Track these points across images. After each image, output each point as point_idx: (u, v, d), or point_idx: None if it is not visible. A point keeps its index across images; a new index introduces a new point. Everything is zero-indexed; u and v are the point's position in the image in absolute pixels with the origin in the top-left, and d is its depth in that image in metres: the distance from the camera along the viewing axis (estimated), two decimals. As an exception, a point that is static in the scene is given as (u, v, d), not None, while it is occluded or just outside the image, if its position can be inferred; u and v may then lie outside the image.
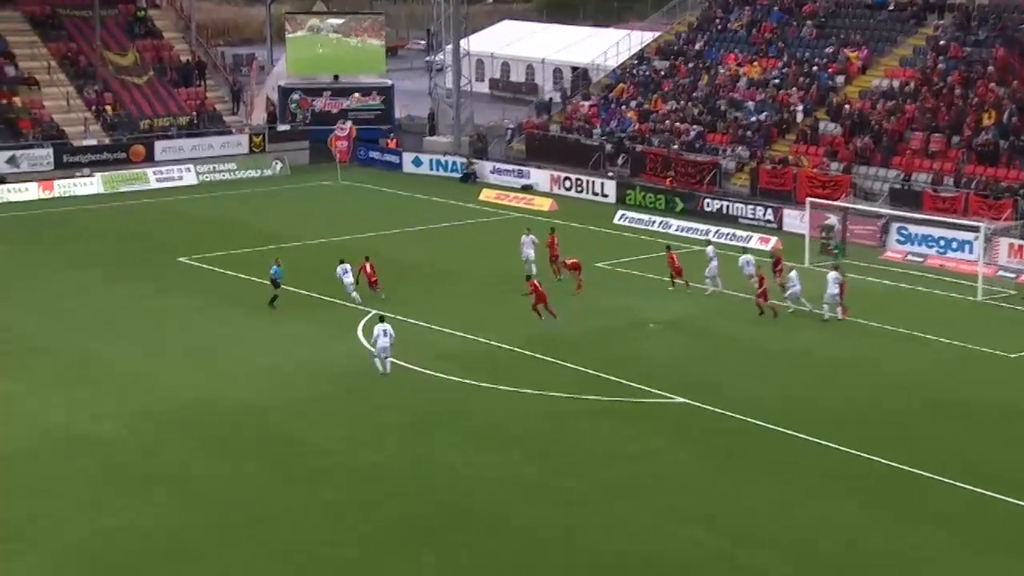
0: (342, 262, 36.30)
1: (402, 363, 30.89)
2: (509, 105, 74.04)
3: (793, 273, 35.77)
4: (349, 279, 35.96)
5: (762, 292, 35.24)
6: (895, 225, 43.54)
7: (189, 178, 56.48)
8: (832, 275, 34.83)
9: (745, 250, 39.38)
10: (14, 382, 29.48)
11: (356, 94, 64.64)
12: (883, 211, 43.79)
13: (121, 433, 26.42)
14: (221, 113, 61.50)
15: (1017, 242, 40.62)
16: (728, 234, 45.64)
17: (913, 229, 43.14)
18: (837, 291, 34.56)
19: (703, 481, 24.20)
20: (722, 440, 26.38)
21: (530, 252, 39.01)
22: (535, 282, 33.92)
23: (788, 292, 35.46)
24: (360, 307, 35.55)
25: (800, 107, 53.35)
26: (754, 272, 36.79)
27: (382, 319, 30.16)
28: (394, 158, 60.96)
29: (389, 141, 62.82)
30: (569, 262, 37.67)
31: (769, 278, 36.22)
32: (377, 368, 29.63)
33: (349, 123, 61.94)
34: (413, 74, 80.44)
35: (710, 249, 38.31)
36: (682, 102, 57.11)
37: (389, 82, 66.26)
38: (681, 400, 28.54)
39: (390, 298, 35.84)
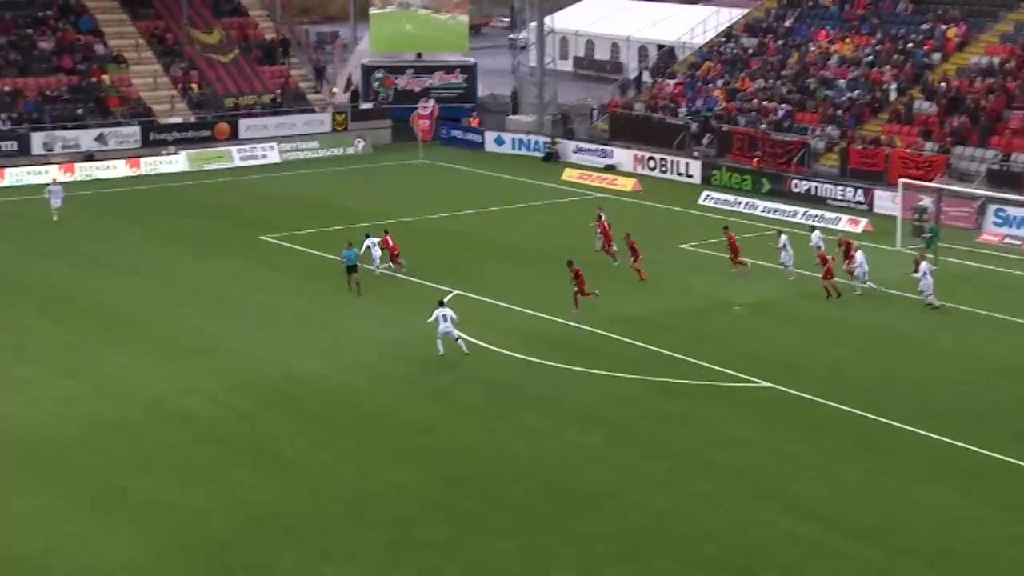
0: (368, 236, 36.65)
1: (484, 343, 30.78)
2: (593, 84, 73.47)
3: (859, 253, 34.83)
4: (377, 252, 36.29)
5: (827, 271, 34.37)
6: (992, 207, 42.33)
7: (272, 156, 56.94)
8: (924, 265, 33.80)
9: (813, 228, 38.61)
10: (116, 354, 29.94)
11: (439, 72, 64.60)
12: (980, 192, 42.60)
13: (215, 406, 26.72)
14: (304, 91, 61.90)
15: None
16: (816, 216, 44.75)
17: (1011, 211, 41.90)
18: (931, 280, 33.52)
19: (792, 466, 23.72)
20: (809, 426, 25.84)
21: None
22: (577, 268, 32.99)
23: (856, 271, 34.79)
24: (439, 285, 35.48)
25: (894, 85, 52.08)
26: (822, 247, 36.06)
27: (442, 303, 30.00)
28: (476, 137, 60.81)
29: (471, 120, 62.69)
30: (629, 242, 36.74)
31: (838, 261, 35.39)
32: (439, 350, 29.47)
33: (432, 102, 61.93)
34: (496, 52, 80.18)
35: (783, 238, 37.33)
36: (770, 81, 56.09)
37: (472, 60, 66.10)
38: (767, 384, 28.01)
39: (409, 265, 36.19)
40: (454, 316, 29.64)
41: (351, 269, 35.15)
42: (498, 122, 63.41)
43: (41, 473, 23.37)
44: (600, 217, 39.55)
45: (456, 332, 29.59)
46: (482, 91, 67.77)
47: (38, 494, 22.46)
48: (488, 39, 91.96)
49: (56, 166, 50.76)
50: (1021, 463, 23.69)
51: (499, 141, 60.09)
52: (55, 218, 43.90)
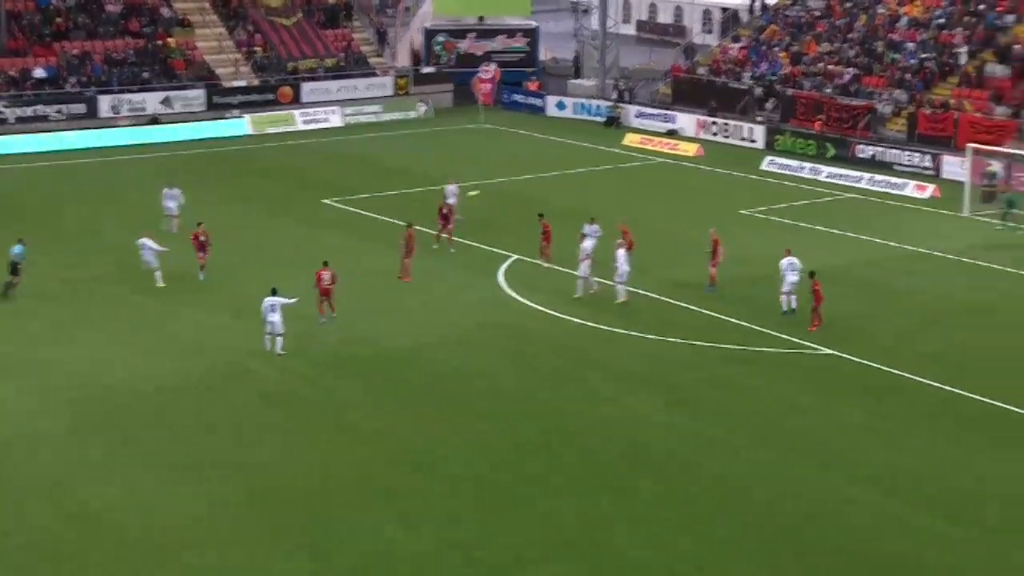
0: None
1: (546, 309, 30.90)
2: (656, 47, 72.91)
3: (620, 252, 31.07)
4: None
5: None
6: (1064, 173, 41.54)
7: (335, 120, 57.28)
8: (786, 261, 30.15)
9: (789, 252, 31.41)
10: (189, 314, 30.26)
11: (501, 36, 64.47)
12: (1051, 158, 41.80)
13: (275, 369, 27.02)
14: (367, 55, 62.10)
15: None
16: (883, 181, 44.22)
17: (1084, 178, 41.11)
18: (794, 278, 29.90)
19: (856, 435, 23.64)
20: (873, 393, 25.68)
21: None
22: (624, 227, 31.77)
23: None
24: (498, 250, 35.62)
25: (964, 48, 51.11)
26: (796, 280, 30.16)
27: (274, 291, 27.63)
28: (538, 101, 60.71)
29: (533, 84, 62.54)
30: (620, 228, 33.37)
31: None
32: (267, 346, 27.40)
33: (493, 65, 61.86)
34: (558, 16, 79.82)
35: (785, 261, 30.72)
36: (836, 44, 55.30)
37: (534, 24, 65.89)
38: (828, 351, 27.86)
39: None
40: (288, 301, 27.30)
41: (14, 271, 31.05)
42: (560, 86, 63.23)
43: (114, 430, 23.90)
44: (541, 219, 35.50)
45: (281, 328, 27.10)
46: (544, 55, 67.54)
47: (112, 449, 22.99)
48: (551, 2, 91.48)
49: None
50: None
51: (560, 106, 59.91)
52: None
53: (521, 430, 24.02)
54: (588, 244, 31.89)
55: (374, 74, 60.76)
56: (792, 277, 30.02)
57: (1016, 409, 24.59)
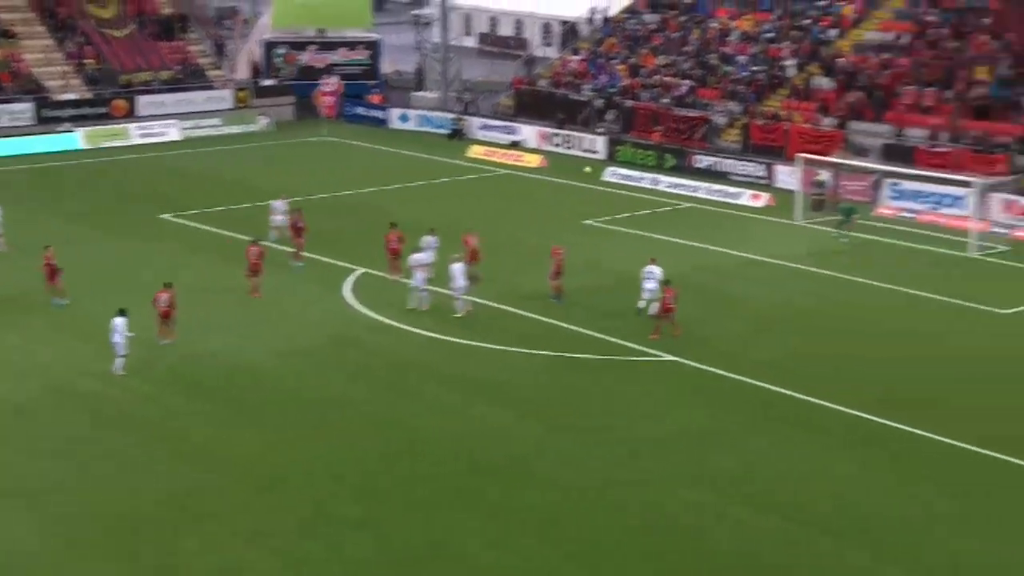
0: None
1: (390, 320, 30.84)
2: (498, 60, 73.56)
3: (455, 267, 31.02)
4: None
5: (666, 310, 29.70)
6: (887, 181, 43.46)
7: (173, 133, 56.03)
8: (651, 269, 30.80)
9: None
10: (11, 336, 29.33)
11: (342, 48, 64.12)
12: (875, 167, 43.69)
13: (116, 388, 26.29)
14: (204, 68, 60.94)
15: (1010, 197, 40.58)
16: (720, 190, 45.55)
17: (906, 185, 43.09)
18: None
19: (697, 439, 24.25)
20: (716, 399, 26.41)
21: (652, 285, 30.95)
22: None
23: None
24: (344, 263, 35.43)
25: (792, 61, 53.08)
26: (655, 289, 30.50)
27: (121, 312, 26.89)
28: (380, 114, 60.59)
29: (375, 96, 62.40)
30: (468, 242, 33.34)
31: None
32: (117, 368, 26.73)
33: (335, 78, 61.46)
34: (400, 28, 79.75)
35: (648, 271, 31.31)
36: (672, 57, 56.77)
37: (376, 36, 65.72)
38: (670, 358, 28.54)
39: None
40: (125, 334, 26.54)
41: None
42: (403, 99, 63.23)
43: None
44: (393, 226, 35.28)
45: (123, 349, 26.63)
46: (386, 68, 67.45)
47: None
48: (392, 15, 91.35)
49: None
50: (916, 431, 24.50)
51: (404, 118, 59.94)
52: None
53: (368, 445, 23.90)
54: (421, 256, 31.93)
55: (212, 87, 59.66)
56: (649, 284, 30.81)
57: (846, 410, 25.60)
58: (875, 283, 34.40)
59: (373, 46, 64.96)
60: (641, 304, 30.99)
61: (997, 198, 40.57)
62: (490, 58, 75.92)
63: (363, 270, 35.15)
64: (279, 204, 37.93)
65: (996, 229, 39.26)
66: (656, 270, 30.99)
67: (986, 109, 45.72)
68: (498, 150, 53.70)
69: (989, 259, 37.02)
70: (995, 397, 26.38)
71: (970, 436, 24.03)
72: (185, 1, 64.94)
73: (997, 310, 31.94)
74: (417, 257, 31.85)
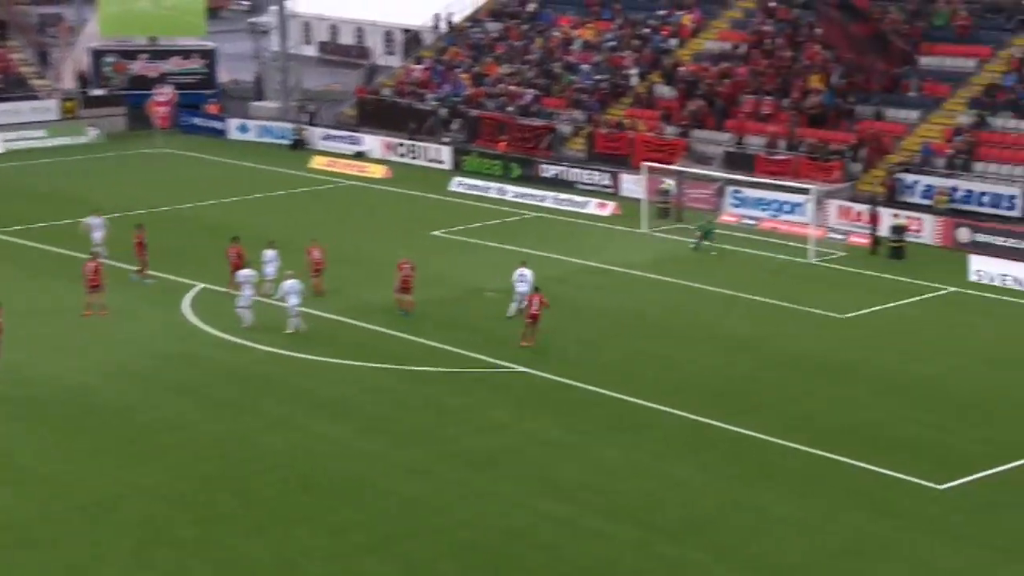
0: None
1: (231, 337, 30.30)
2: (339, 69, 73.09)
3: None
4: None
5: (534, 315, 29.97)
6: (730, 189, 44.69)
7: (-6, 146, 53.98)
8: (521, 271, 31.81)
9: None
10: None
11: (176, 57, 62.75)
12: (717, 175, 44.86)
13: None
14: (27, 77, 58.82)
15: (845, 204, 42.21)
16: (566, 200, 46.14)
17: (747, 192, 44.38)
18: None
19: (549, 449, 24.48)
20: (565, 408, 26.72)
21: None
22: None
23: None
24: (182, 279, 34.68)
25: (635, 70, 54.17)
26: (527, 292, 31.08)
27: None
28: (218, 124, 59.53)
29: (212, 107, 61.28)
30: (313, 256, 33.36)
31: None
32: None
33: (169, 88, 60.08)
34: (236, 37, 78.52)
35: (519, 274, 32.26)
36: (516, 65, 57.33)
37: (211, 44, 64.54)
38: (521, 369, 28.77)
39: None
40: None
41: None
42: (241, 109, 62.23)
43: None
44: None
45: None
46: (223, 77, 66.28)
47: None
48: (227, 22, 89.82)
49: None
50: (755, 434, 25.26)
51: (243, 129, 59.03)
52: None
53: (208, 466, 23.43)
54: (248, 273, 31.42)
55: (37, 97, 57.62)
56: (521, 288, 31.28)
57: (690, 416, 26.16)
58: (719, 290, 35.33)
59: (208, 55, 63.74)
60: (511, 311, 31.15)
61: (834, 204, 42.15)
62: (331, 67, 75.34)
63: (203, 285, 34.45)
64: (95, 221, 36.75)
65: (833, 235, 40.80)
66: (528, 273, 31.37)
67: (821, 117, 47.50)
68: (342, 161, 53.31)
69: (827, 265, 38.43)
70: (832, 399, 27.37)
71: (805, 437, 24.85)
72: (3, 8, 62.62)
73: (835, 315, 33.16)
74: (244, 274, 31.40)
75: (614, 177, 47.85)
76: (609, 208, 45.18)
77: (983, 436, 25.07)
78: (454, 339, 30.58)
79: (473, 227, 42.67)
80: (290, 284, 30.65)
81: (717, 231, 39.99)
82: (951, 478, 22.91)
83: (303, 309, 31.03)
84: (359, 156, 54.37)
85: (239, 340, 30.20)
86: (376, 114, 57.82)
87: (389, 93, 59.29)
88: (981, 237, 39.02)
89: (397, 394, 27.31)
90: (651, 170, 43.88)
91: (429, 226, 42.47)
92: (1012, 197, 40.69)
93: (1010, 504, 22.00)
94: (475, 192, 48.12)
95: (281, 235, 36.36)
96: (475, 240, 41.01)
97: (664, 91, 52.46)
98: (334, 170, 52.09)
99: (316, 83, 66.82)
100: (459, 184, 49.07)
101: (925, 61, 48.01)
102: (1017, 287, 35.20)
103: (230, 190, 47.63)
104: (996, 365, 29.27)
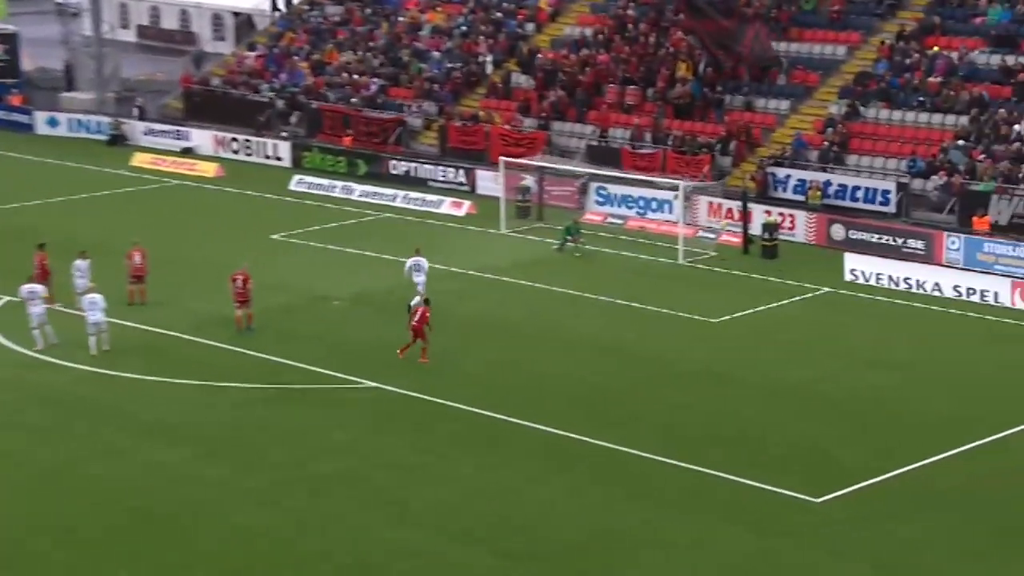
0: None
1: (48, 357, 29.62)
2: (162, 56, 71.87)
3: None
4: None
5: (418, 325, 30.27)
6: (594, 185, 45.45)
7: None
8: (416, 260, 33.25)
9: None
10: None
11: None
12: (579, 170, 45.52)
13: None
14: None
15: (715, 200, 43.26)
16: (418, 199, 46.29)
17: (612, 189, 45.20)
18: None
19: (402, 471, 24.60)
20: (418, 425, 26.86)
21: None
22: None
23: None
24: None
25: (489, 58, 54.62)
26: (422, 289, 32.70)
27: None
28: (24, 117, 58.11)
29: (16, 98, 59.76)
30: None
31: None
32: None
33: (-34, 77, 58.28)
34: (42, 20, 76.42)
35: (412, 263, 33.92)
36: (360, 53, 57.25)
37: (13, 28, 62.83)
38: (372, 384, 28.83)
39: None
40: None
41: None
42: (50, 100, 60.76)
43: None
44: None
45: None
46: (27, 64, 64.54)
47: None
48: (31, 3, 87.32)
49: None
50: (625, 449, 25.78)
51: (52, 122, 57.68)
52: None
53: (19, 500, 22.93)
54: (36, 287, 30.71)
55: None
56: (419, 278, 31.74)
57: (551, 430, 26.45)
58: (584, 294, 35.92)
59: (10, 39, 62.12)
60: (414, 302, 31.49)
61: (704, 201, 43.16)
62: (153, 54, 74.02)
63: (7, 299, 33.57)
64: None
65: (703, 234, 41.77)
66: (423, 262, 31.92)
67: (689, 108, 48.48)
68: (168, 158, 52.53)
69: (697, 265, 39.42)
70: (705, 409, 28.10)
71: (678, 451, 25.43)
72: None
73: (707, 318, 34.06)
74: (28, 289, 30.64)
75: (469, 174, 48.22)
76: (464, 207, 45.52)
77: (860, 444, 26.08)
78: (298, 353, 30.46)
79: (316, 229, 42.53)
80: (91, 299, 30.01)
81: (583, 231, 40.53)
82: (829, 490, 23.76)
83: (114, 321, 30.45)
84: (187, 153, 53.61)
85: (51, 359, 29.54)
86: (205, 107, 57.06)
87: (219, 83, 58.57)
88: (856, 234, 40.51)
89: (235, 415, 27.09)
90: (509, 166, 44.37)
91: (268, 229, 42.16)
92: (886, 192, 42.29)
93: (888, 516, 22.95)
94: (318, 191, 47.93)
95: (98, 241, 35.67)
96: (319, 244, 40.88)
97: (521, 80, 53.06)
98: (159, 168, 51.32)
99: (136, 72, 65.58)
100: (300, 183, 48.81)
101: (795, 48, 49.58)
102: (893, 286, 36.69)
103: (39, 191, 46.48)
104: (873, 368, 30.49)
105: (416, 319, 30.02)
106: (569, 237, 40.10)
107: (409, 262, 32.52)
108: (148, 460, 24.78)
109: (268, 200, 46.90)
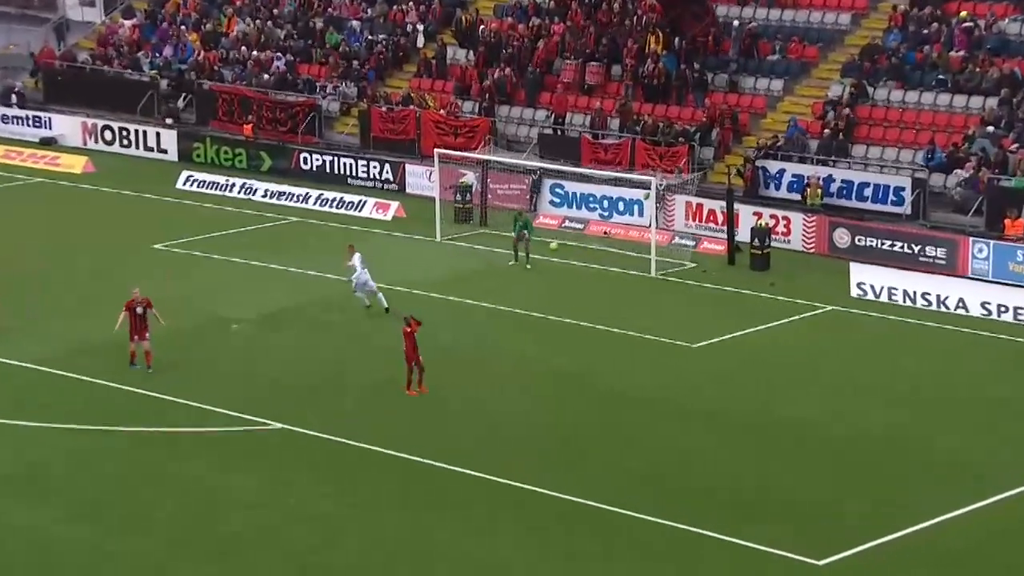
0: None
1: None
2: (15, 25, 71.59)
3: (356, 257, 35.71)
4: None
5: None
6: (548, 183, 45.76)
7: None
8: (357, 256, 35.77)
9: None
10: None
11: None
12: (530, 164, 45.80)
13: None
14: None
15: (694, 200, 43.56)
16: (336, 199, 46.47)
17: (570, 187, 45.55)
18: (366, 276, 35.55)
19: (318, 528, 24.83)
20: (337, 474, 27.08)
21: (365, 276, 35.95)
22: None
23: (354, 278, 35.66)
24: None
25: (420, 28, 54.91)
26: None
27: None
28: None
29: None
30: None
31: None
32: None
33: None
34: None
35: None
36: (262, 22, 57.40)
37: None
38: (279, 426, 29.01)
39: None
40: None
41: None
42: None
43: None
44: None
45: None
46: None
47: None
48: None
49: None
50: (584, 501, 26.14)
51: None
52: None
53: None
54: None
55: None
56: (363, 276, 34.67)
57: (499, 479, 26.59)
58: (536, 314, 36.25)
59: None
60: (366, 302, 33.81)
61: (681, 201, 43.39)
62: (4, 22, 73.74)
63: None
64: None
65: (680, 241, 42.07)
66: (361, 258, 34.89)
67: (663, 89, 48.67)
68: (24, 151, 52.54)
69: (673, 279, 39.81)
70: (683, 452, 28.39)
71: (651, 504, 25.66)
72: None
73: (684, 343, 34.49)
74: None
75: (397, 169, 48.50)
76: (392, 210, 45.80)
77: (867, 495, 26.39)
78: (189, 388, 30.61)
79: (209, 237, 42.63)
80: None
81: (534, 237, 40.75)
82: (832, 551, 24.06)
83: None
84: (48, 144, 53.58)
85: None
86: (70, 87, 57.04)
87: (87, 59, 58.55)
88: (863, 241, 40.97)
89: (113, 465, 27.19)
90: (445, 159, 44.64)
91: (150, 237, 42.24)
92: (900, 189, 42.72)
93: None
94: (212, 191, 48.09)
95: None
96: (214, 255, 41.00)
97: (459, 56, 53.38)
98: (13, 163, 51.35)
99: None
100: (189, 180, 48.95)
101: (788, 16, 50.10)
102: (908, 303, 37.16)
103: None
104: (882, 403, 30.92)
105: (406, 344, 30.32)
106: (526, 231, 40.02)
107: (354, 259, 35.22)
108: (3, 523, 24.80)
109: (149, 201, 46.99)
